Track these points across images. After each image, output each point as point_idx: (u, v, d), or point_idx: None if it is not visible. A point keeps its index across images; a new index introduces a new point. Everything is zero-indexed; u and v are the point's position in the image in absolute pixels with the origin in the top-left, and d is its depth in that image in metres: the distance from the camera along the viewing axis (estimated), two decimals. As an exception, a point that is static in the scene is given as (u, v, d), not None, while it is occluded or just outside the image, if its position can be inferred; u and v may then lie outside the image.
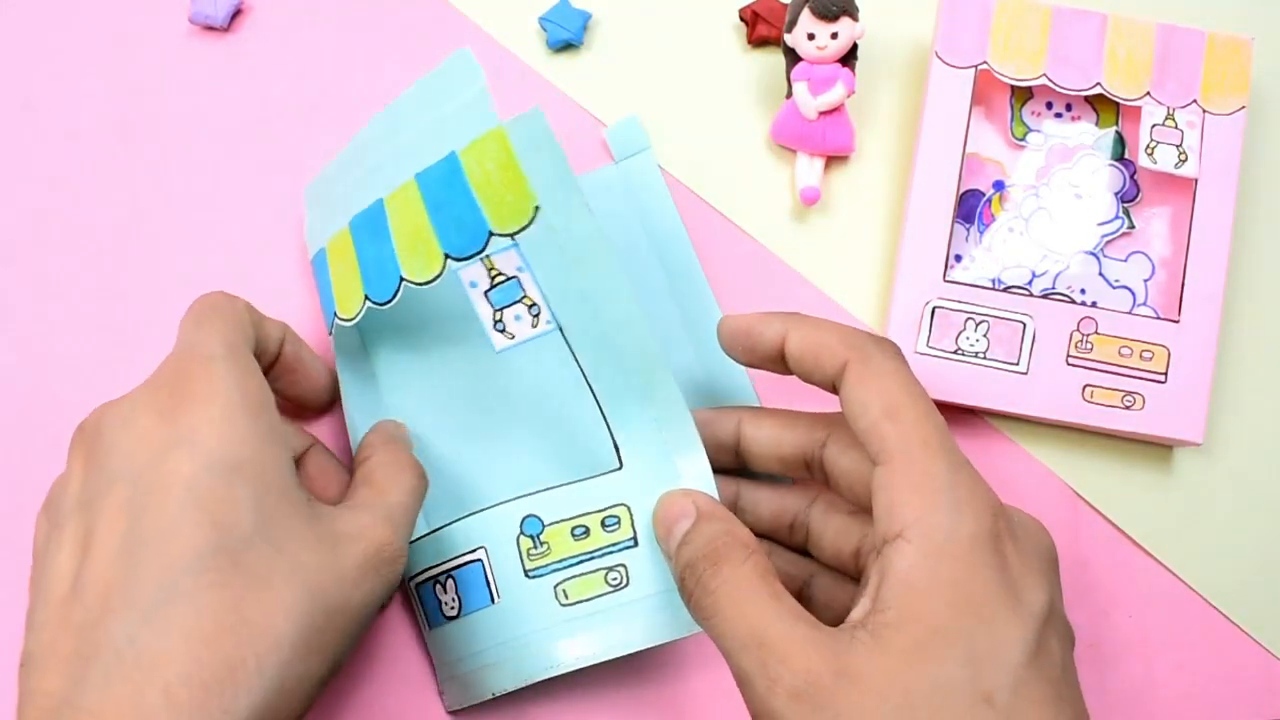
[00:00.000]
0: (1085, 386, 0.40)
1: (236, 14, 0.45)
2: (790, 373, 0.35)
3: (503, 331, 0.39)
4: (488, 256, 0.38)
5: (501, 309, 0.39)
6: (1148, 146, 0.41)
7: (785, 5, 0.44)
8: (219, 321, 0.34)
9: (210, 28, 0.45)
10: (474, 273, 0.39)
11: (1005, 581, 0.30)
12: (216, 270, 0.43)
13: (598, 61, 0.45)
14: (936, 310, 0.40)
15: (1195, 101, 0.41)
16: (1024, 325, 0.40)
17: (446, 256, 0.34)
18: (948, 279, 0.41)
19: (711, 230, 0.43)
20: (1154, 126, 0.41)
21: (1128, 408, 0.40)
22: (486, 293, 0.39)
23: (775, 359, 0.35)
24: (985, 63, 0.42)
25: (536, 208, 0.33)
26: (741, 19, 0.44)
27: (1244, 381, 0.42)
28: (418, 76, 0.39)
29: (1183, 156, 0.41)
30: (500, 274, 0.39)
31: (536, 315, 0.38)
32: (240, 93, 0.45)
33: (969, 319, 0.40)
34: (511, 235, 0.33)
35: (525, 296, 0.38)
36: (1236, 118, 0.41)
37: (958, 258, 0.42)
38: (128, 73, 0.45)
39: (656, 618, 0.35)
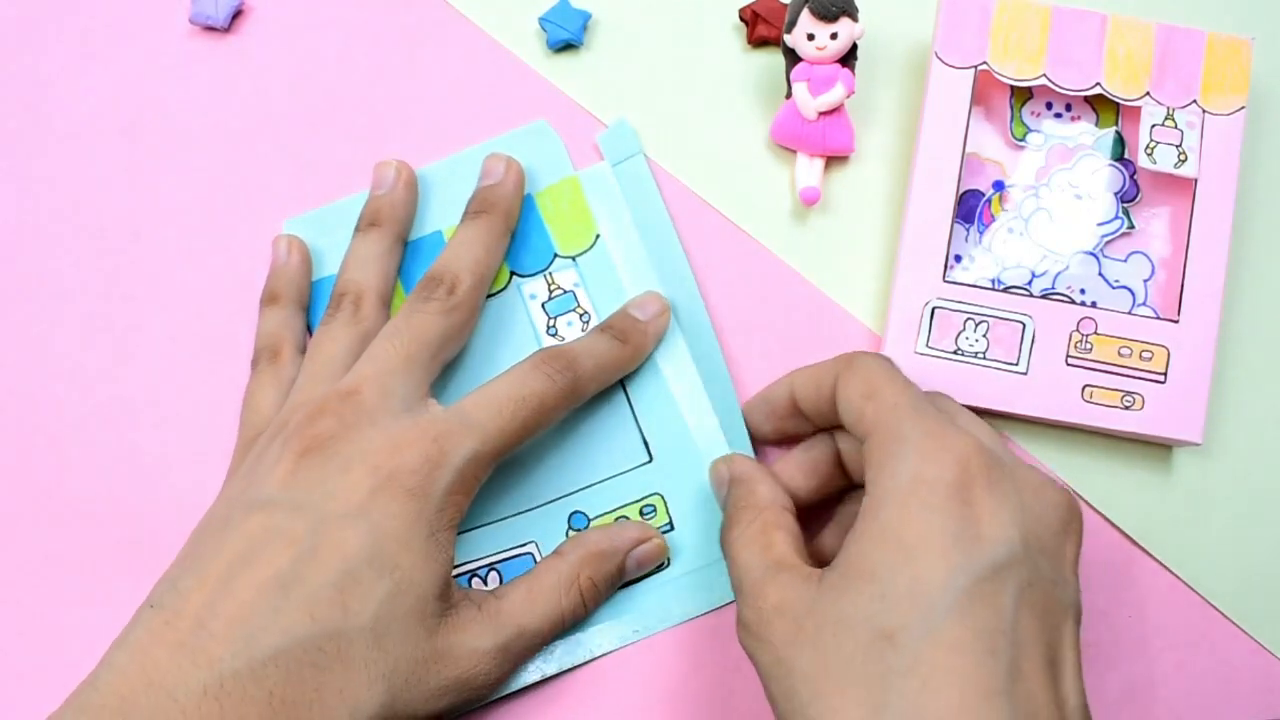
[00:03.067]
0: (1085, 387, 0.40)
1: (237, 14, 0.45)
2: (815, 428, 0.38)
3: (554, 335, 0.42)
4: (550, 273, 0.42)
5: (556, 317, 0.42)
6: (1147, 147, 0.41)
7: (785, 5, 0.44)
8: (477, 440, 0.36)
9: (210, 28, 0.45)
10: (535, 286, 0.42)
11: (952, 526, 0.31)
12: (216, 271, 0.43)
13: (598, 61, 0.45)
14: (936, 310, 0.40)
15: (1195, 102, 0.41)
16: (1023, 325, 0.40)
17: (512, 273, 0.42)
18: (947, 279, 0.41)
19: (711, 230, 0.43)
20: (1154, 127, 0.41)
21: (1127, 408, 0.40)
22: (544, 304, 0.42)
23: (794, 413, 0.38)
24: (985, 63, 0.42)
25: (597, 236, 0.42)
26: (741, 19, 0.44)
27: (1244, 381, 0.42)
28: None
29: (1182, 156, 0.41)
30: (559, 288, 0.42)
31: (587, 322, 0.42)
32: (240, 93, 0.45)
33: (968, 319, 0.40)
34: (574, 257, 0.42)
35: (578, 306, 0.42)
36: (1236, 118, 0.41)
37: (957, 258, 0.42)
38: (128, 73, 0.45)
39: (697, 592, 0.40)
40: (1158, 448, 0.41)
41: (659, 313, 0.41)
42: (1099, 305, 0.41)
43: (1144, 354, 0.40)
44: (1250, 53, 0.42)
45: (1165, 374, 0.40)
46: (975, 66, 0.42)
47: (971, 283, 0.41)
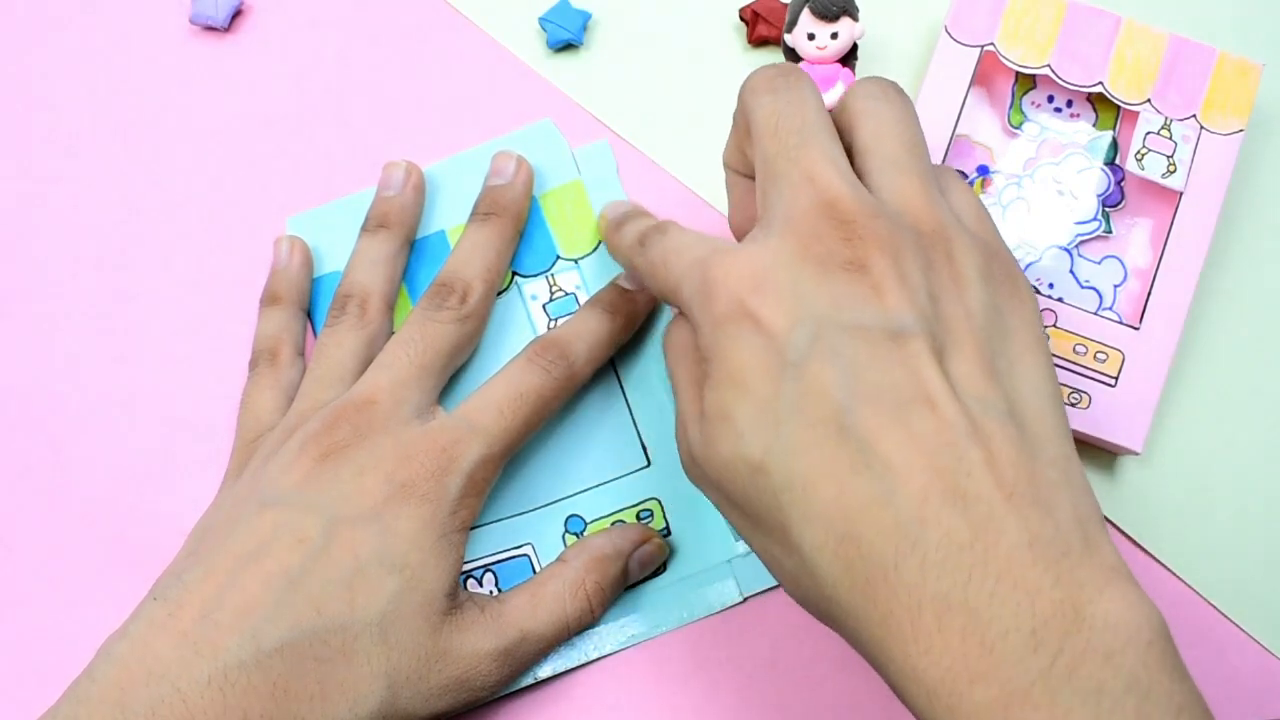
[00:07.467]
0: (1034, 375, 0.40)
1: (237, 15, 0.45)
2: None
3: None
4: (552, 275, 0.43)
5: (557, 319, 0.42)
6: (1138, 153, 0.41)
7: (785, 5, 0.44)
8: (484, 444, 0.37)
9: (210, 28, 0.45)
10: (536, 287, 0.43)
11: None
12: (215, 271, 0.43)
13: (598, 61, 0.45)
14: None
15: (1195, 116, 0.41)
16: (982, 302, 0.40)
17: (514, 274, 0.42)
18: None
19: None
20: (1148, 134, 0.41)
21: (1074, 404, 0.40)
22: (545, 305, 0.43)
23: None
24: (992, 44, 0.42)
25: (600, 240, 0.42)
26: (741, 19, 0.45)
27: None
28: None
29: (1171, 168, 0.41)
30: (560, 290, 0.43)
31: None
32: (240, 93, 0.45)
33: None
34: (576, 260, 0.42)
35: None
36: (1233, 139, 0.41)
37: (928, 234, 0.42)
38: (128, 73, 0.45)
39: (694, 598, 0.40)
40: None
41: None
42: (1065, 301, 0.41)
43: (1099, 355, 0.40)
44: (1259, 77, 0.41)
45: (1117, 378, 0.40)
46: (982, 46, 0.42)
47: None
